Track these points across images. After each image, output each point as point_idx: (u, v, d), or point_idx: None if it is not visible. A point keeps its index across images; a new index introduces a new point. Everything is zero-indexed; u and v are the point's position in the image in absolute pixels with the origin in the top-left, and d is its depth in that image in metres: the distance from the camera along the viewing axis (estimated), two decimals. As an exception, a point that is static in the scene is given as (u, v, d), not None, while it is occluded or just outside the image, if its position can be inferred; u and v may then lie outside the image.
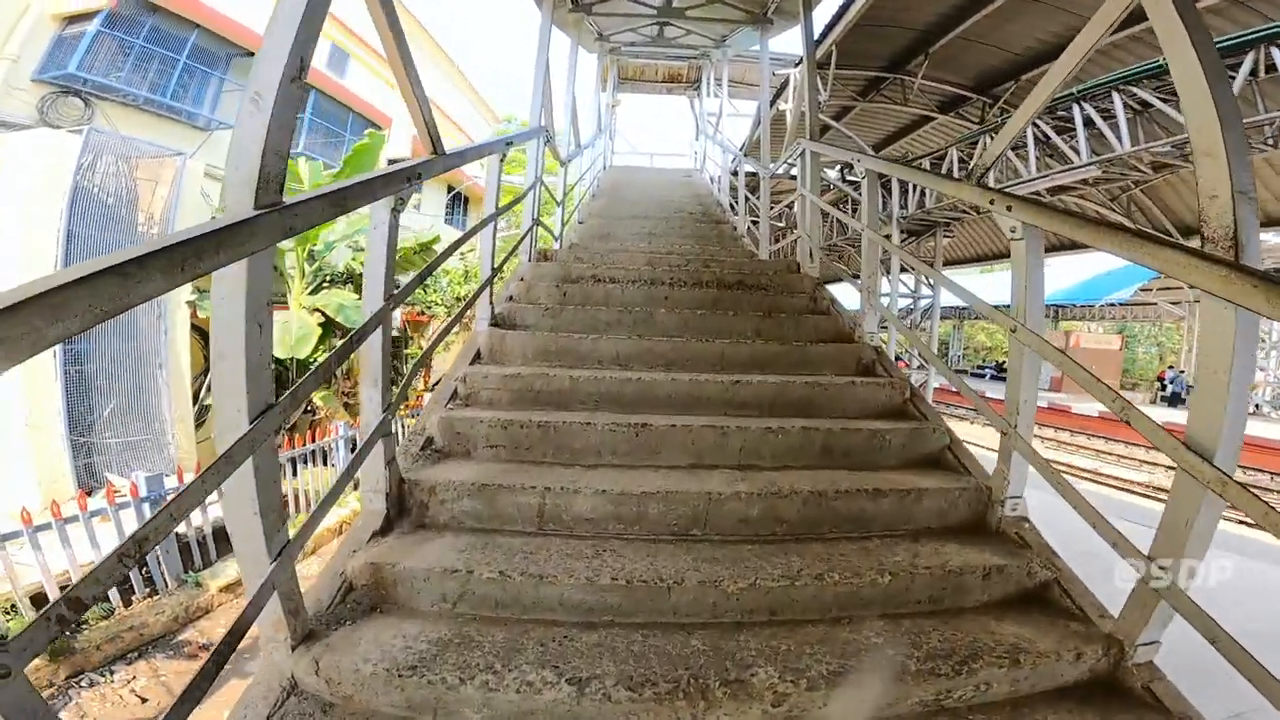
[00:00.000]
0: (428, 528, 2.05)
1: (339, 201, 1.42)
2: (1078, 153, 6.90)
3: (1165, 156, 6.66)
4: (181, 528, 5.45)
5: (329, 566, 1.89)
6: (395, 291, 1.87)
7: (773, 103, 8.89)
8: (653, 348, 2.97)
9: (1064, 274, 20.37)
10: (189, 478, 1.28)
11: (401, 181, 1.77)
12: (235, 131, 1.16)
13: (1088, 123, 6.81)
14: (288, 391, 1.36)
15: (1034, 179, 7.19)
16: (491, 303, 3.20)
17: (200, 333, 8.19)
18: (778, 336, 3.30)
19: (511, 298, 3.65)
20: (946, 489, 2.19)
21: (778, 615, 1.71)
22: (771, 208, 6.23)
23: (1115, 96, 6.67)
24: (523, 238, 4.04)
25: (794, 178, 10.72)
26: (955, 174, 7.74)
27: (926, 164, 8.34)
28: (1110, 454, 18.00)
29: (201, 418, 7.77)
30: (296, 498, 6.72)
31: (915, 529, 2.14)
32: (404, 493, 2.08)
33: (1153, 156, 6.68)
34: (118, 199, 6.17)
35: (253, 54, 8.34)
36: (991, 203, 1.91)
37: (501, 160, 3.05)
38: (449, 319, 2.82)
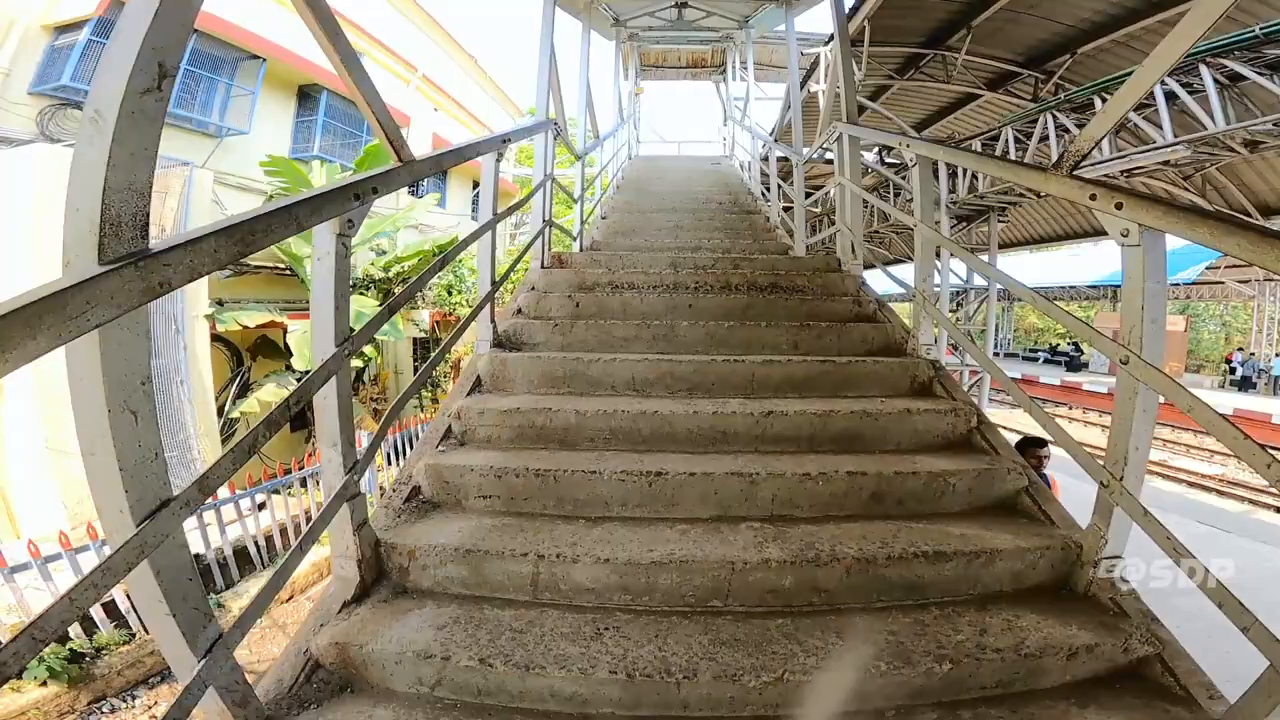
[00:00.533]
0: (409, 594, 1.80)
1: (248, 238, 1.14)
2: (1161, 131, 6.17)
3: (1265, 135, 5.89)
4: (200, 548, 5.43)
5: (293, 642, 1.66)
6: (353, 333, 1.59)
7: (803, 84, 8.37)
8: (673, 369, 2.63)
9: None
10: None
11: (347, 200, 1.48)
12: (73, 164, 0.87)
13: (1170, 97, 6.07)
14: (193, 482, 1.08)
15: (1108, 160, 6.48)
16: (494, 321, 2.92)
17: (224, 343, 8.26)
18: (817, 350, 2.93)
19: (520, 310, 3.37)
20: (1024, 547, 1.81)
21: None
22: (806, 196, 5.79)
23: (1203, 70, 5.93)
24: (532, 241, 3.75)
25: (829, 162, 10.17)
26: (1011, 155, 7.08)
27: (977, 145, 7.67)
28: (1178, 444, 17.01)
29: (228, 430, 7.83)
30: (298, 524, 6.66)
31: (984, 594, 1.78)
32: (381, 556, 1.82)
33: (1250, 135, 5.92)
34: None
35: (256, 57, 8.34)
36: (1093, 198, 1.50)
37: (498, 159, 2.74)
38: (443, 344, 2.54)
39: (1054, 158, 6.98)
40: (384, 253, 9.47)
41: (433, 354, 2.81)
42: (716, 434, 2.28)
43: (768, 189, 7.84)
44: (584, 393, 2.61)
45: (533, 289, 3.61)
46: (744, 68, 8.93)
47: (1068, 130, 6.52)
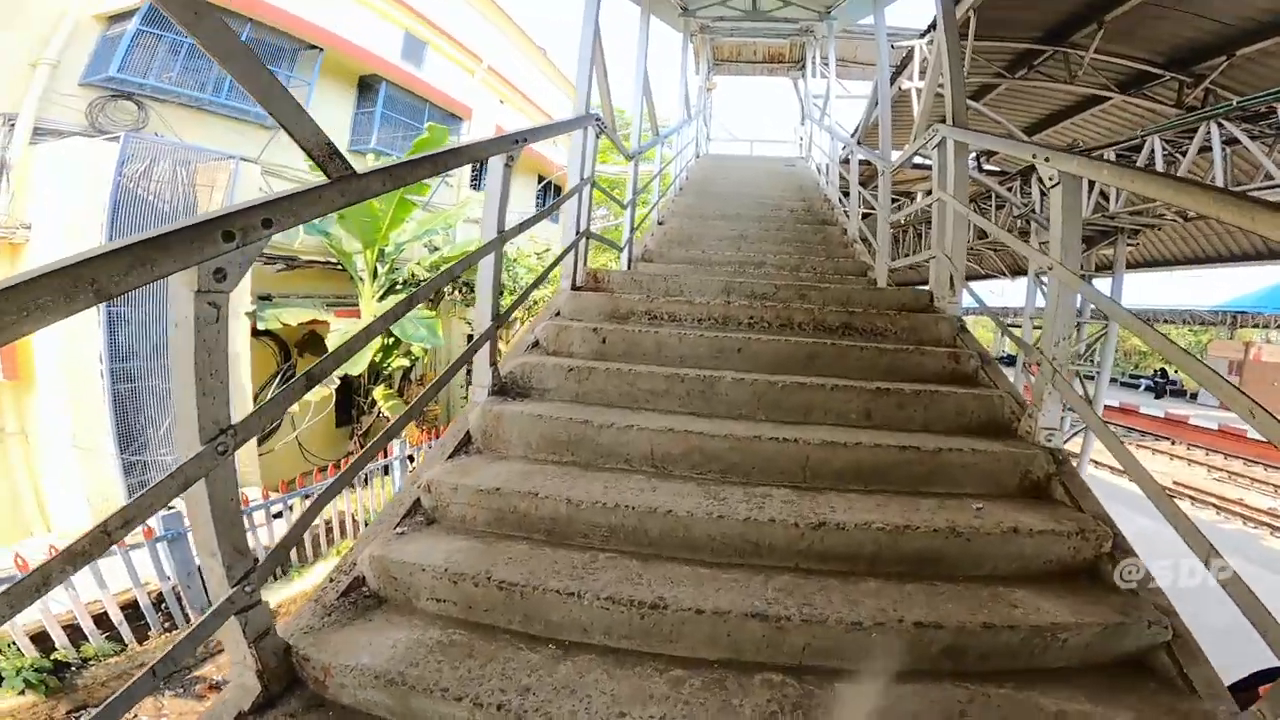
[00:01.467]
0: (325, 708, 1.41)
1: (28, 299, 0.73)
2: None
3: None
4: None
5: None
6: (231, 429, 1.18)
7: (892, 81, 7.54)
8: (704, 444, 2.11)
9: (1247, 280, 17.56)
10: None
11: (210, 241, 1.05)
12: None
13: None
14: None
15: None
16: (495, 364, 2.49)
17: (273, 337, 8.38)
18: (897, 423, 2.32)
19: (537, 343, 2.93)
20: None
21: None
22: (893, 208, 5.07)
23: None
24: (562, 256, 3.30)
25: (917, 168, 9.20)
26: (1159, 167, 5.98)
27: (1110, 155, 6.57)
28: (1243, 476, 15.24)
29: (267, 434, 7.93)
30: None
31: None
32: (292, 664, 1.43)
33: None
34: (174, 206, 6.28)
35: (315, 47, 8.39)
36: None
37: (508, 164, 2.30)
38: (423, 395, 2.14)
39: (1218, 174, 5.89)
40: (437, 249, 9.37)
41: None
42: (746, 545, 1.75)
43: (846, 195, 7.15)
44: (589, 465, 2.14)
45: (557, 315, 3.17)
46: (824, 63, 8.19)
47: (1236, 141, 5.41)
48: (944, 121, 3.04)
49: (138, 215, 6.00)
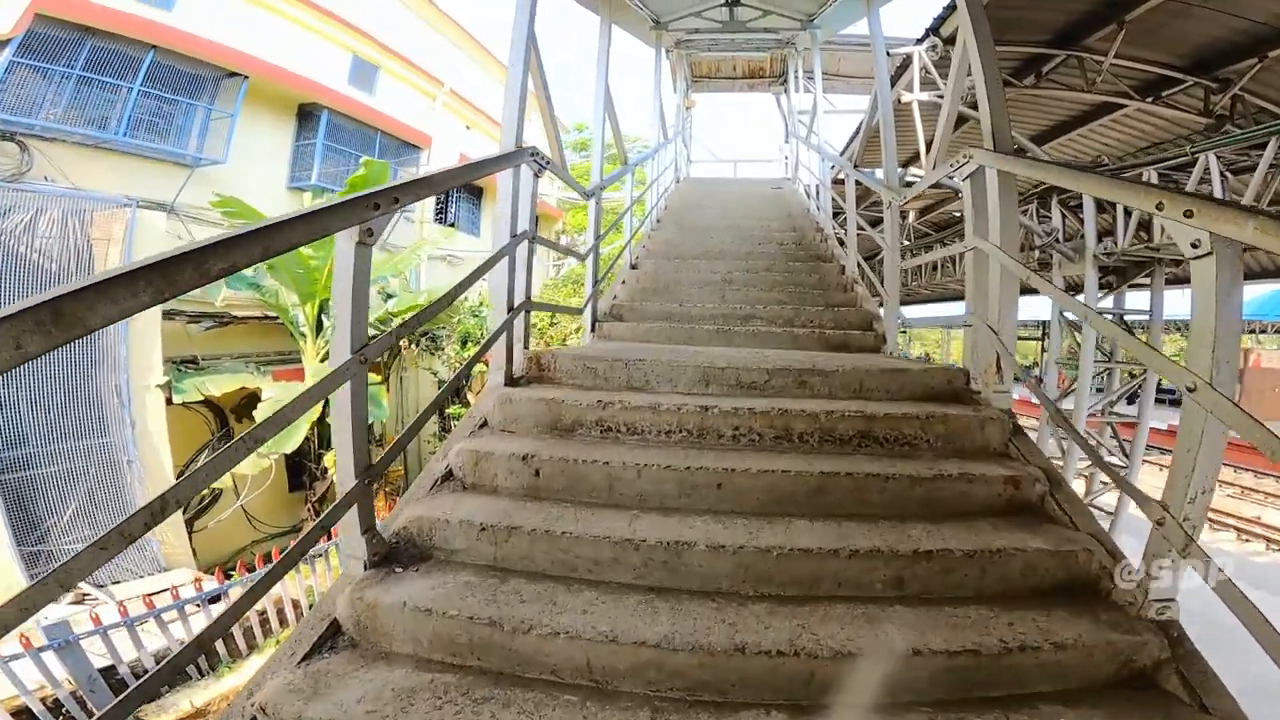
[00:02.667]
0: None
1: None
2: None
3: None
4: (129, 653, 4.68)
5: None
6: None
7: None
8: (660, 659, 1.44)
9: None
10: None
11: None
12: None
13: None
14: None
15: None
16: (372, 527, 1.81)
17: (208, 403, 7.63)
18: (942, 592, 1.69)
19: (448, 474, 2.25)
20: None
21: None
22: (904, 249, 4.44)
23: None
24: (485, 346, 2.61)
25: (935, 188, 8.69)
26: (1216, 188, 5.41)
27: (1152, 175, 6.01)
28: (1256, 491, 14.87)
29: (200, 506, 7.16)
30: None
31: None
32: None
33: None
34: (63, 265, 5.60)
35: (238, 75, 7.79)
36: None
37: (363, 243, 1.62)
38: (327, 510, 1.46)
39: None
40: (390, 296, 8.65)
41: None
42: None
43: (838, 216, 6.56)
44: (501, 677, 1.47)
45: (482, 426, 2.49)
46: (808, 77, 7.69)
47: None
48: (990, 147, 2.42)
49: (15, 279, 5.29)
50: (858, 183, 5.16)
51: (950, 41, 6.54)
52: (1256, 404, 22.77)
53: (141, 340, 6.38)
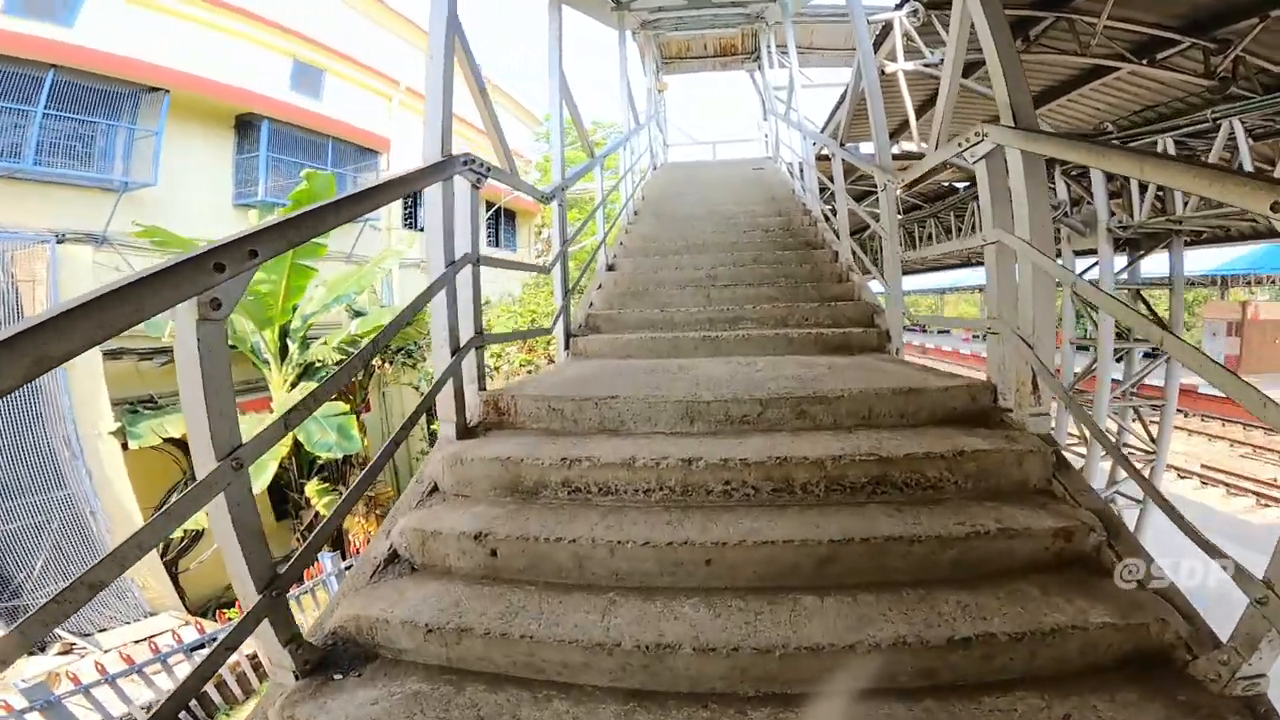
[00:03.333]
0: None
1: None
2: None
3: None
4: None
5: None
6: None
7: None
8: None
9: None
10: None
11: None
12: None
13: None
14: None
15: None
16: (295, 637, 1.51)
17: (176, 441, 7.25)
18: (981, 685, 1.39)
19: (395, 556, 1.94)
20: None
21: None
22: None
23: None
24: (428, 399, 2.24)
25: (908, 155, 8.29)
26: (1246, 159, 5.05)
27: (1169, 145, 5.64)
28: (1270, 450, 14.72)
29: (178, 549, 6.84)
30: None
31: None
32: None
33: None
34: None
35: (159, 90, 7.32)
36: None
37: (209, 319, 1.26)
38: (317, 529, 1.17)
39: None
40: (360, 314, 8.20)
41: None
42: None
43: (827, 200, 6.20)
44: None
45: (432, 492, 2.16)
46: (782, 51, 7.31)
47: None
48: (1011, 122, 2.07)
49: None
50: (846, 162, 4.80)
51: (934, 6, 6.15)
52: (1257, 357, 22.58)
53: (84, 387, 6.01)
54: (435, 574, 1.88)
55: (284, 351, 7.32)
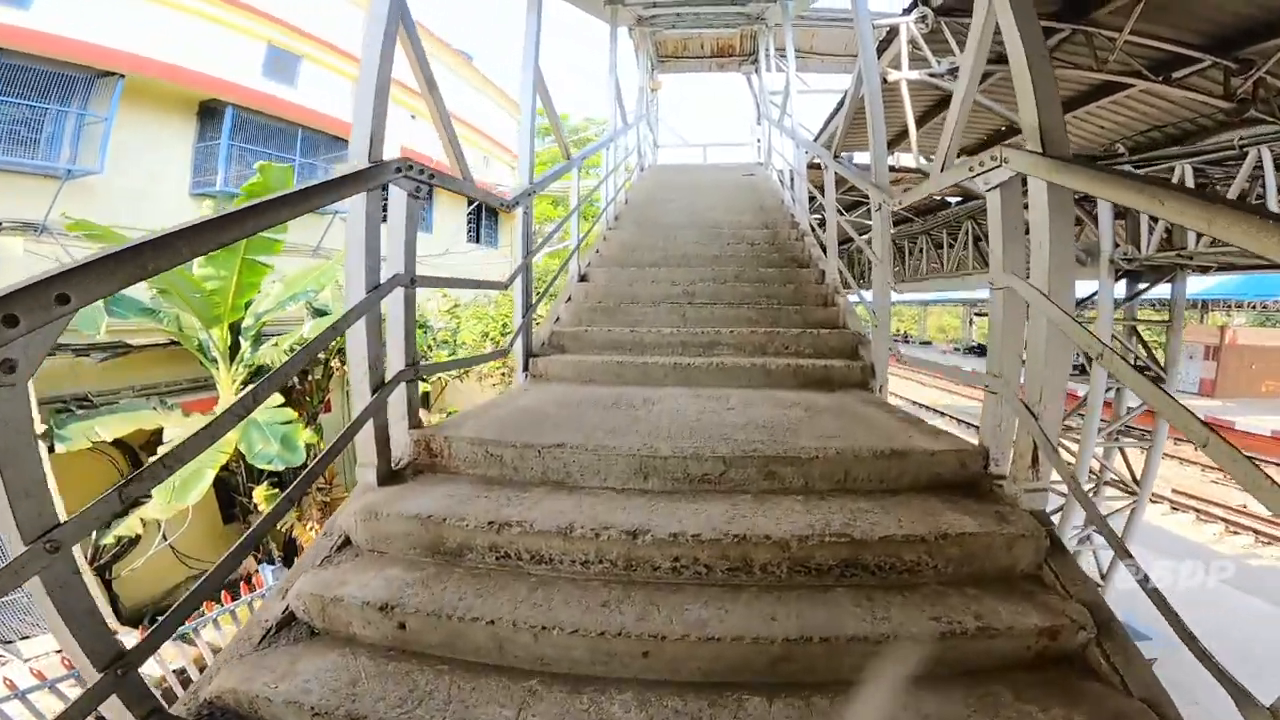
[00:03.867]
0: None
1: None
2: None
3: None
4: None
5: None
6: None
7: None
8: None
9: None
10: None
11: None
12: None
13: None
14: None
15: None
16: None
17: (121, 445, 6.92)
18: None
19: (292, 618, 1.74)
20: None
21: None
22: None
23: None
24: (346, 439, 2.00)
25: (907, 170, 8.14)
26: (1272, 189, 4.91)
27: (1186, 171, 5.46)
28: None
29: (107, 558, 6.53)
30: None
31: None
32: None
33: None
34: None
35: (111, 74, 7.00)
36: None
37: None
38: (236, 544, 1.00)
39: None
40: (323, 312, 7.84)
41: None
42: None
43: (814, 217, 6.01)
44: None
45: (343, 545, 1.94)
46: (781, 55, 7.14)
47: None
48: (1038, 149, 1.87)
49: None
50: (839, 174, 4.61)
51: (945, 12, 5.98)
52: (1233, 382, 22.81)
53: None
54: (336, 642, 1.67)
55: (235, 349, 7.02)
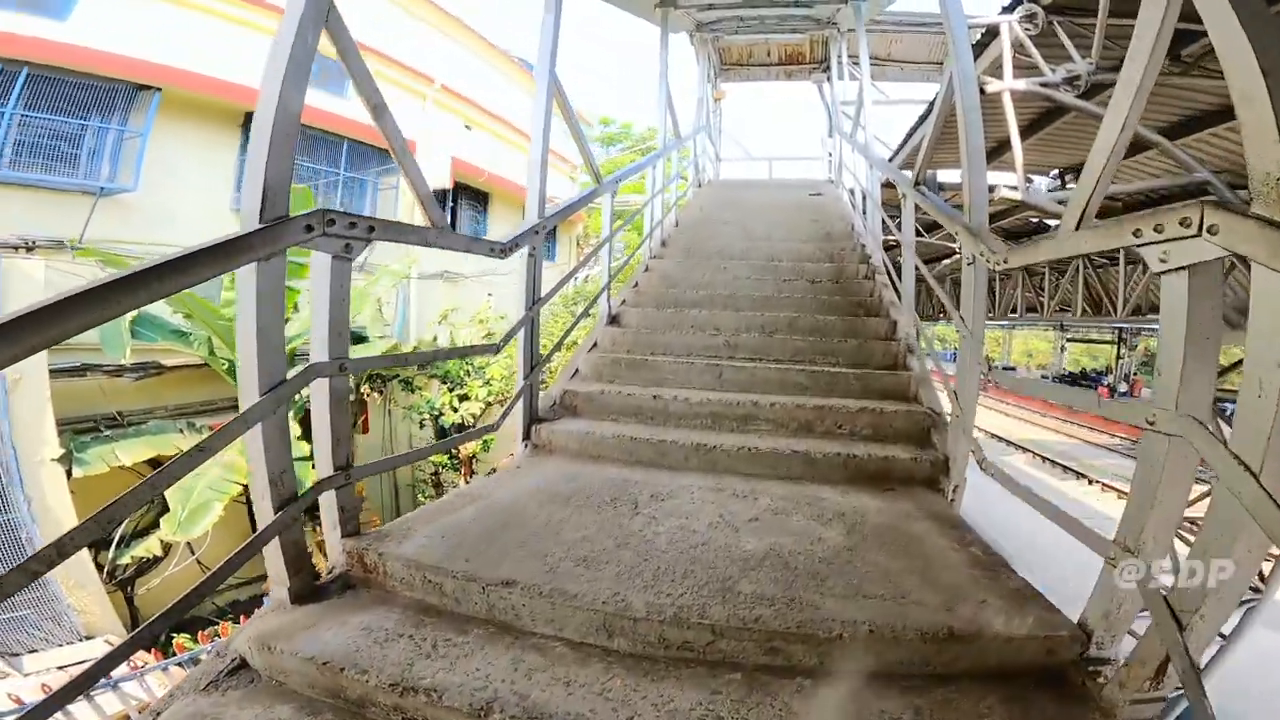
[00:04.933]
0: None
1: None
2: None
3: None
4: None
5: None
6: None
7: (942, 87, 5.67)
8: None
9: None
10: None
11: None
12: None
13: None
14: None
15: None
16: None
17: (155, 465, 7.09)
18: None
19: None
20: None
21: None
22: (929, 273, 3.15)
23: None
24: (231, 565, 1.65)
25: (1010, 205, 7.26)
26: None
27: None
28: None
29: (123, 575, 6.67)
30: None
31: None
32: None
33: None
34: None
35: (148, 88, 7.17)
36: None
37: None
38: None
39: None
40: (364, 339, 7.74)
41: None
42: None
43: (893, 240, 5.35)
44: None
45: (236, 670, 1.63)
46: (854, 62, 6.54)
47: None
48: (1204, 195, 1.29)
49: None
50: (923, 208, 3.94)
51: (1058, 10, 5.20)
52: None
53: (26, 411, 5.88)
54: None
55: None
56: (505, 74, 14.35)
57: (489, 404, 9.35)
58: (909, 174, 4.25)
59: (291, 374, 1.72)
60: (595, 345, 4.25)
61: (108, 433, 6.40)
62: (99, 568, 6.40)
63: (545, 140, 3.38)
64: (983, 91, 5.84)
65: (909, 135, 7.43)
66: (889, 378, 3.56)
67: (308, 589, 1.82)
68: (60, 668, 5.83)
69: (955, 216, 2.90)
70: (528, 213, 3.31)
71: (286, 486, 1.72)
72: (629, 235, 12.06)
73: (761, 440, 2.99)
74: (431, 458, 10.22)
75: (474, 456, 9.86)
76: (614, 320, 4.57)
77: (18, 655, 6.06)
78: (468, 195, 13.53)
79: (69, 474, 5.95)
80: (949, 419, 2.87)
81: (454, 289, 12.44)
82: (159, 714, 1.48)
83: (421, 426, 10.15)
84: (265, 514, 1.71)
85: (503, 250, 2.91)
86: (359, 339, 7.96)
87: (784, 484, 2.72)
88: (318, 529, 6.95)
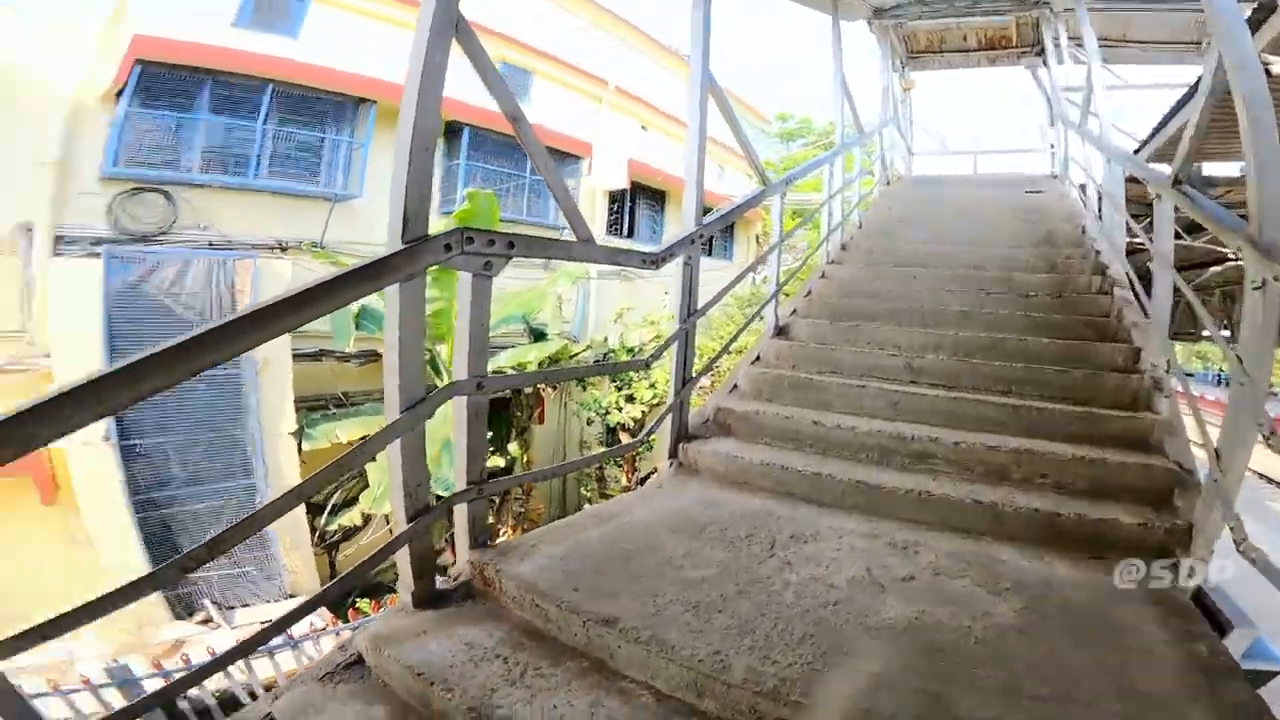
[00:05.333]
0: None
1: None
2: None
3: None
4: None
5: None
6: None
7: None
8: None
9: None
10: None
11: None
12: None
13: None
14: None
15: None
16: None
17: None
18: None
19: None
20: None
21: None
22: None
23: None
24: (354, 576, 1.77)
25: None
26: None
27: None
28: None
29: (329, 541, 7.71)
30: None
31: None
32: None
33: None
34: (205, 317, 6.35)
35: (366, 100, 8.18)
36: None
37: None
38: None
39: None
40: (541, 337, 8.27)
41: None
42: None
43: (1142, 274, 4.28)
44: None
45: (353, 664, 1.76)
46: (1076, 44, 5.48)
47: None
48: None
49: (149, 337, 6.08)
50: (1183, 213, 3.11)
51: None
52: None
53: (272, 390, 7.07)
54: None
55: (456, 365, 7.87)
56: (677, 74, 14.52)
57: (654, 405, 9.41)
58: (1164, 169, 3.37)
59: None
60: (758, 359, 4.02)
61: (334, 410, 7.52)
62: (312, 530, 7.47)
63: (702, 143, 3.19)
64: (1269, 74, 4.52)
65: (1161, 125, 6.07)
66: (1122, 420, 2.87)
67: (430, 594, 1.90)
68: (263, 623, 6.83)
69: (1238, 228, 2.19)
70: (684, 219, 3.18)
71: (420, 498, 1.80)
72: (810, 234, 11.53)
73: (936, 484, 2.56)
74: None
75: (638, 454, 10.05)
76: (781, 332, 4.29)
77: (233, 609, 7.02)
78: (645, 195, 13.87)
79: (299, 447, 7.03)
80: (1203, 479, 2.21)
81: (632, 287, 12.83)
82: (278, 697, 1.63)
83: (589, 424, 10.51)
84: (400, 522, 1.79)
85: (654, 261, 2.83)
86: (539, 335, 8.51)
87: (955, 538, 2.30)
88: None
